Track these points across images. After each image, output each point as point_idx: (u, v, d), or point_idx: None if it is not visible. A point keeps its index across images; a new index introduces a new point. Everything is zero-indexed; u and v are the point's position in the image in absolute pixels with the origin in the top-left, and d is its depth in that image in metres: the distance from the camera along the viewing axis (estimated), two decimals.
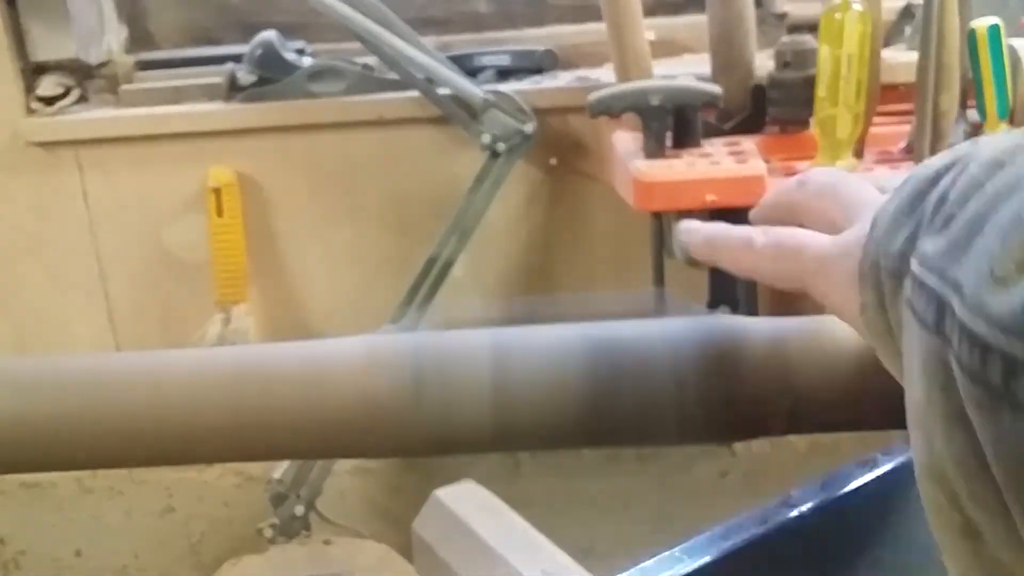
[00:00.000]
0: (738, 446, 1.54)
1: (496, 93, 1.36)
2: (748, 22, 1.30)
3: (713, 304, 1.36)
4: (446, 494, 1.01)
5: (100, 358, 0.52)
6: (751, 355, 0.48)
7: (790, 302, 1.50)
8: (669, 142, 1.26)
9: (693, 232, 0.48)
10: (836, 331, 0.49)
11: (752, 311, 1.39)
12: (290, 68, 1.45)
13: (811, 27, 1.32)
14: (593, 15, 1.40)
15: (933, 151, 1.23)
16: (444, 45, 1.49)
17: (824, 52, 1.18)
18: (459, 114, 1.37)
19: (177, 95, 1.51)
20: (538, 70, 1.51)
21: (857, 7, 1.16)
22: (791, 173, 1.25)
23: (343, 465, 1.56)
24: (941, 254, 0.28)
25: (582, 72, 1.50)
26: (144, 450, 0.50)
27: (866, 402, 0.48)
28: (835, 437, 1.71)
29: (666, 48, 1.48)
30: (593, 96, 1.26)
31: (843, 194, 0.42)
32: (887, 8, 1.36)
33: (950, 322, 0.26)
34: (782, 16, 1.46)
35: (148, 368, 0.51)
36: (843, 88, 1.17)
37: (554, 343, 0.50)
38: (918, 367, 0.29)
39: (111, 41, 1.57)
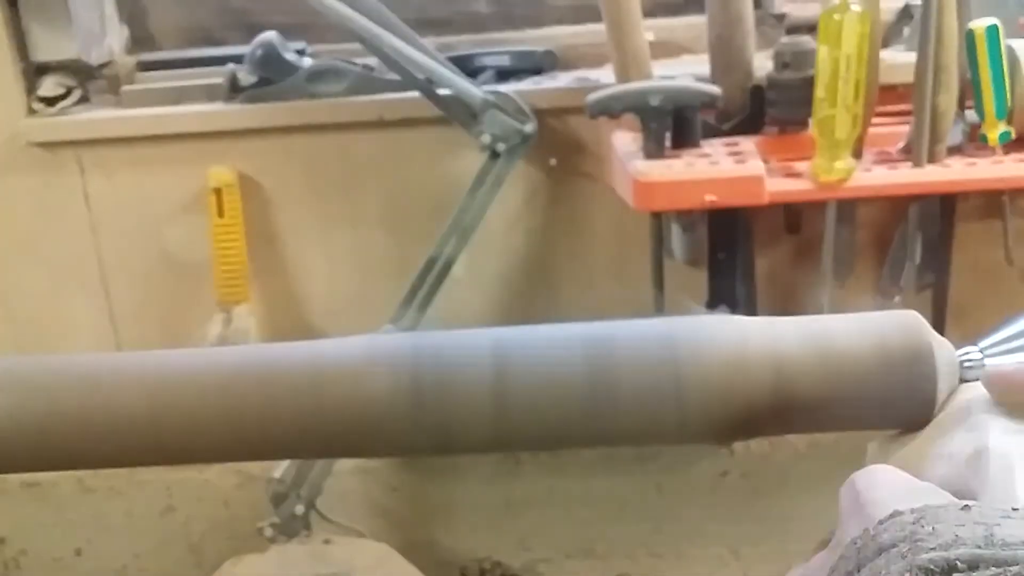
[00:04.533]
0: (737, 446, 1.54)
1: (496, 94, 1.36)
2: (747, 23, 1.30)
3: (712, 304, 1.37)
4: None
5: (101, 358, 0.52)
6: (749, 354, 0.48)
7: (789, 302, 1.50)
8: (668, 142, 1.27)
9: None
10: (834, 331, 0.50)
11: (751, 311, 1.40)
12: (291, 69, 1.45)
13: (810, 28, 1.32)
14: (592, 16, 1.40)
15: (931, 151, 1.24)
16: (444, 46, 1.49)
17: (823, 53, 1.18)
18: (459, 114, 1.37)
19: (178, 96, 1.51)
20: (538, 71, 1.51)
21: (856, 8, 1.16)
22: (790, 173, 1.26)
23: (343, 465, 1.57)
24: None
25: (581, 73, 1.50)
26: (145, 450, 0.50)
27: (864, 401, 0.48)
28: (834, 436, 1.72)
29: (665, 49, 1.48)
30: (592, 97, 1.27)
31: None
32: (886, 9, 1.36)
33: None
34: (781, 17, 1.46)
35: (149, 368, 0.51)
36: (842, 89, 1.17)
37: (553, 343, 0.50)
38: None
39: (112, 42, 1.57)
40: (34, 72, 1.52)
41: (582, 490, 1.60)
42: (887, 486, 0.37)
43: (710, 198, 1.19)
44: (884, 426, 0.50)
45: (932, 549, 0.31)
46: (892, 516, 0.33)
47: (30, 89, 1.51)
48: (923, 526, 0.32)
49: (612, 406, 0.48)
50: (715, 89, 1.27)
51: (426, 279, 1.39)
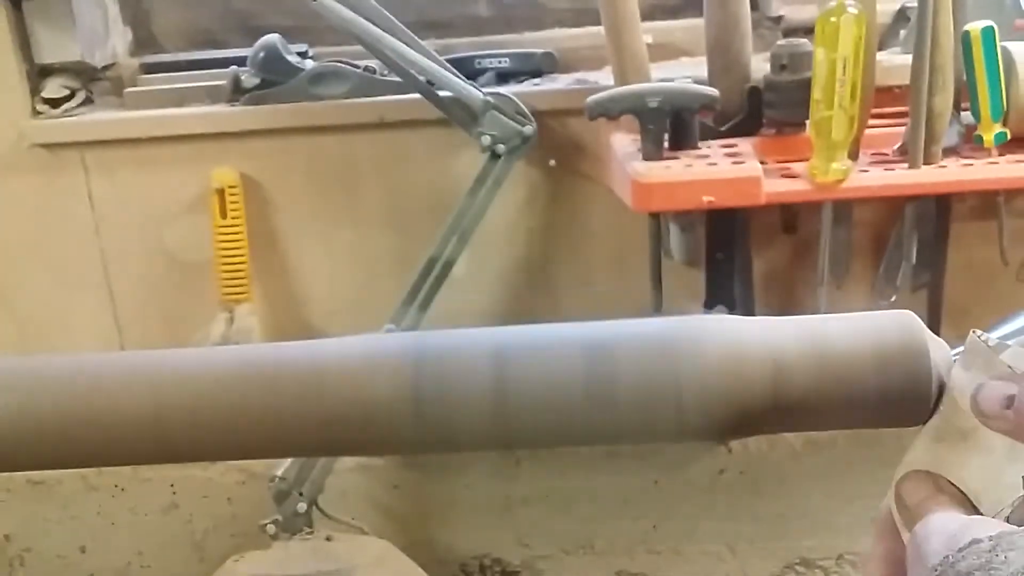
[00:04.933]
0: (735, 444, 1.54)
1: (496, 95, 1.37)
2: (744, 25, 1.31)
3: (710, 304, 1.38)
4: None
5: (105, 357, 0.53)
6: (747, 354, 0.49)
7: (786, 302, 1.51)
8: (666, 144, 1.28)
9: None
10: (830, 330, 0.50)
11: (749, 311, 1.40)
12: (293, 71, 1.46)
13: (807, 30, 1.33)
14: (592, 18, 1.41)
15: (927, 152, 1.24)
16: (444, 48, 1.49)
17: (819, 55, 1.19)
18: (459, 116, 1.37)
19: (181, 97, 1.52)
20: (537, 73, 1.52)
21: (852, 10, 1.16)
22: (787, 174, 1.26)
23: (345, 463, 1.57)
24: None
25: (581, 75, 1.51)
26: (148, 448, 0.51)
27: (860, 400, 0.49)
28: (831, 434, 1.73)
29: (663, 51, 1.49)
30: (591, 99, 1.27)
31: None
32: (882, 11, 1.37)
33: None
34: (778, 19, 1.47)
35: (153, 367, 0.52)
36: (838, 90, 1.18)
37: (553, 343, 0.50)
38: None
39: (116, 44, 1.58)
40: (38, 74, 1.53)
41: (581, 488, 1.61)
42: (940, 533, 0.39)
43: (708, 199, 1.20)
44: (880, 425, 0.51)
45: None
46: (971, 543, 0.35)
47: (34, 91, 1.52)
48: (998, 554, 0.34)
49: (611, 405, 0.48)
50: (713, 91, 1.27)
51: (426, 279, 1.39)
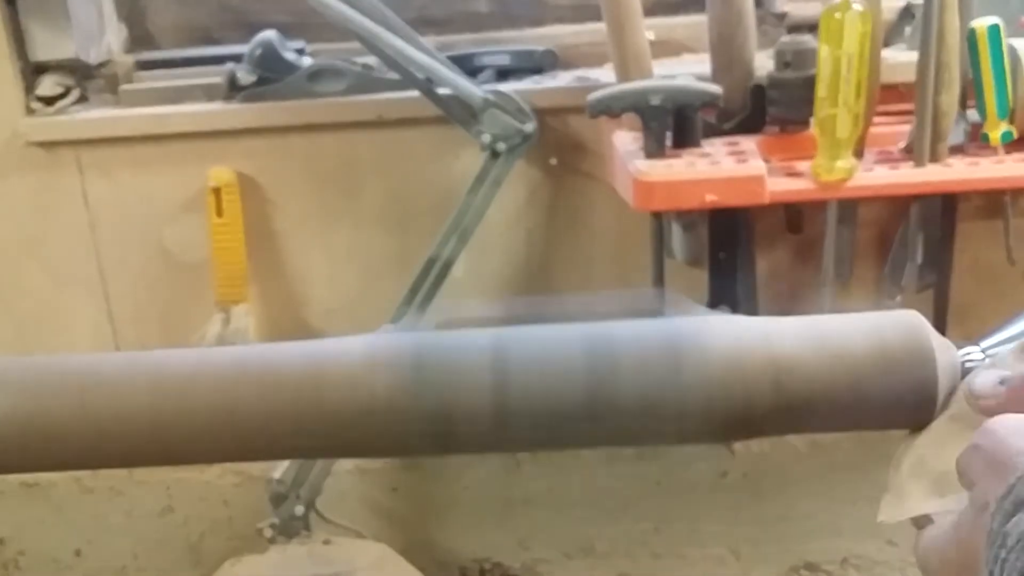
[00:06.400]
0: (737, 446, 1.54)
1: (496, 93, 1.36)
2: (748, 22, 1.30)
3: (713, 304, 1.36)
4: None
5: (100, 358, 0.53)
6: (750, 354, 0.48)
7: (789, 302, 1.50)
8: (669, 142, 1.27)
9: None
10: (835, 331, 0.49)
11: (752, 311, 1.39)
12: (290, 68, 1.45)
13: (811, 27, 1.32)
14: (593, 15, 1.40)
15: (933, 151, 1.24)
16: (444, 45, 1.49)
17: (824, 52, 1.18)
18: (459, 114, 1.37)
19: (177, 95, 1.51)
20: (538, 70, 1.51)
21: (857, 7, 1.16)
22: (791, 173, 1.25)
23: (343, 465, 1.56)
24: None
25: (582, 72, 1.50)
26: (144, 450, 0.51)
27: (865, 402, 0.48)
28: (834, 437, 1.72)
29: (666, 48, 1.48)
30: (593, 96, 1.27)
31: None
32: (887, 8, 1.36)
33: None
34: (782, 16, 1.46)
35: (148, 368, 0.51)
36: (843, 88, 1.17)
37: (553, 343, 0.50)
38: None
39: (111, 41, 1.57)
40: (32, 71, 1.52)
41: (582, 490, 1.60)
42: (1018, 434, 0.37)
43: (711, 198, 1.19)
44: (885, 426, 0.50)
45: None
46: None
47: (29, 89, 1.51)
48: None
49: (612, 406, 0.48)
50: (716, 88, 1.26)
51: (426, 279, 1.38)
